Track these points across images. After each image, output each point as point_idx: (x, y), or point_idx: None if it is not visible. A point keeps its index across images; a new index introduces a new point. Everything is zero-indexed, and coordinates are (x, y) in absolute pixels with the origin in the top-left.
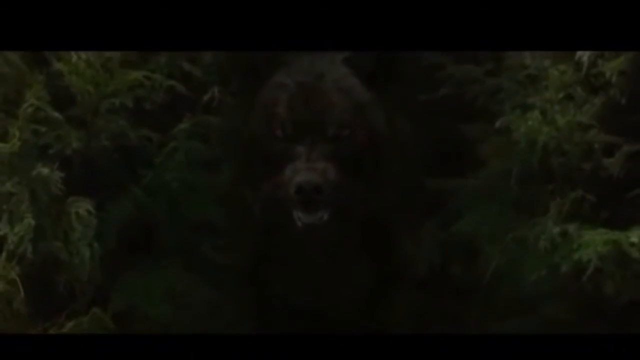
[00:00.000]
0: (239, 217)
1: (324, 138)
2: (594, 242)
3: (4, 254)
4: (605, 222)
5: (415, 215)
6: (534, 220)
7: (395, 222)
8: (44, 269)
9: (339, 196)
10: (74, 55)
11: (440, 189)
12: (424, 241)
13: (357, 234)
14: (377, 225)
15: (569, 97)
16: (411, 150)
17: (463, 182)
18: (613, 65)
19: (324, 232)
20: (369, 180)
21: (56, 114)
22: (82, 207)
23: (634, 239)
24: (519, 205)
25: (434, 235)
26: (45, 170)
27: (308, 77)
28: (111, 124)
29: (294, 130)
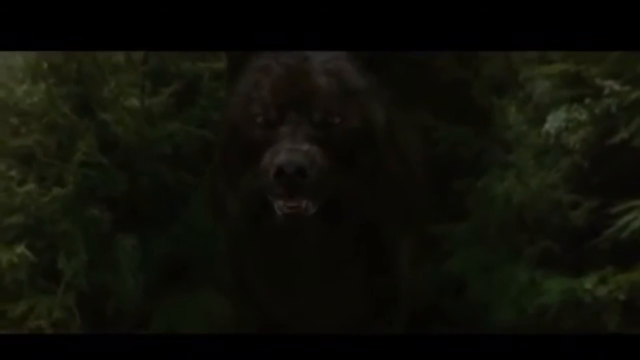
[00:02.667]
0: (220, 219)
1: (309, 122)
2: (555, 289)
3: (62, 286)
4: (568, 269)
5: (415, 225)
6: (508, 267)
7: (393, 230)
8: (95, 297)
9: (327, 185)
10: (119, 108)
11: (433, 232)
12: (419, 279)
13: (350, 240)
14: (372, 231)
15: (540, 161)
16: (410, 152)
17: (453, 227)
18: (577, 136)
19: (309, 231)
20: (361, 176)
21: (104, 160)
22: (128, 242)
23: (588, 286)
24: (498, 251)
25: (428, 271)
26: (95, 211)
27: (294, 59)
28: (152, 168)
29: (277, 115)
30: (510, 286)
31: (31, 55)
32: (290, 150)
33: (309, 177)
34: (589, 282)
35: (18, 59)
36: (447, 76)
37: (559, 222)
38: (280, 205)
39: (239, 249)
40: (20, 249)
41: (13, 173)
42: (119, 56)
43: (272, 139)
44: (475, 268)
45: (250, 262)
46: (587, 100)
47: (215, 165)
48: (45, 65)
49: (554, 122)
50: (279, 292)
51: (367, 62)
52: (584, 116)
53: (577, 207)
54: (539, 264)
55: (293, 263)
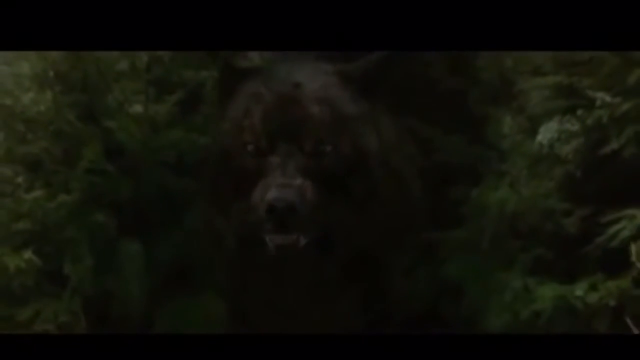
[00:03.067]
0: (213, 249)
1: (301, 152)
2: (547, 296)
3: (68, 290)
4: (560, 275)
5: (409, 248)
6: (502, 273)
7: (387, 254)
8: (100, 301)
9: (318, 219)
10: (124, 116)
11: (429, 239)
12: (420, 283)
13: (342, 266)
14: (366, 256)
15: (533, 170)
16: (405, 173)
17: (449, 234)
18: (569, 146)
19: (301, 261)
20: (355, 204)
21: (109, 167)
22: (132, 247)
23: (579, 292)
24: (493, 258)
25: (425, 276)
26: (101, 217)
27: (285, 86)
28: (156, 175)
29: (268, 144)
30: (504, 292)
31: (37, 63)
32: (280, 185)
33: (299, 213)
34: (580, 289)
35: (24, 66)
36: (442, 86)
37: (552, 230)
38: (271, 238)
39: (233, 276)
40: (28, 254)
41: (20, 180)
42: (123, 64)
43: (263, 169)
44: (471, 274)
45: (244, 288)
46: (579, 112)
47: (207, 192)
48: (51, 73)
49: (546, 133)
50: (273, 318)
51: (359, 88)
52: (576, 127)
53: (570, 215)
54: (532, 271)
55: (286, 290)
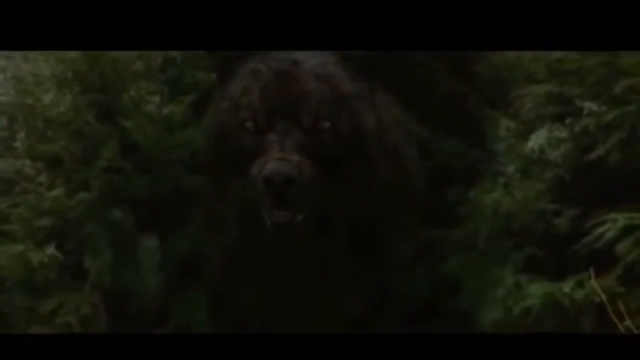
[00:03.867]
0: (213, 225)
1: (299, 128)
2: (537, 293)
3: (88, 284)
4: (551, 274)
5: (410, 227)
6: (496, 271)
7: (387, 232)
8: (119, 294)
9: (316, 195)
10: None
11: (429, 237)
12: (419, 279)
13: (341, 245)
14: (364, 235)
15: (526, 173)
16: (405, 154)
17: (447, 233)
18: (559, 151)
19: (300, 238)
20: (353, 183)
21: (126, 165)
22: (149, 243)
23: (567, 290)
24: (488, 256)
25: (425, 273)
26: (119, 214)
27: (284, 63)
28: (171, 173)
29: (266, 121)
30: (497, 289)
31: (57, 64)
32: (279, 160)
33: (297, 186)
34: (567, 287)
35: (44, 67)
36: (443, 90)
37: (543, 230)
38: (269, 215)
39: (231, 256)
40: (51, 250)
41: (42, 179)
42: (139, 65)
43: (262, 147)
44: (467, 271)
45: (241, 270)
46: (568, 120)
47: (204, 172)
48: (70, 74)
49: (537, 139)
50: (271, 299)
51: (359, 68)
52: (565, 134)
53: (560, 216)
54: (524, 268)
55: (285, 270)
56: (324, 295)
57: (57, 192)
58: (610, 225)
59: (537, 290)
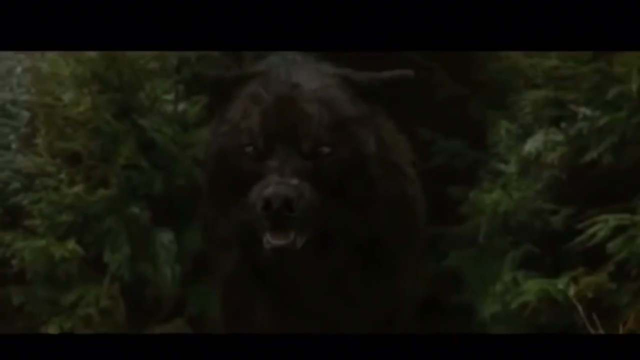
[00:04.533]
0: (216, 245)
1: (298, 154)
2: (533, 289)
3: (107, 277)
4: (546, 270)
5: (412, 246)
6: (495, 266)
7: (390, 247)
8: (137, 286)
9: (316, 218)
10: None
11: (431, 233)
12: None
13: (342, 265)
14: (367, 253)
15: (523, 174)
16: (406, 170)
17: (449, 230)
18: (555, 153)
19: (299, 260)
20: (353, 205)
21: (143, 163)
22: (165, 237)
23: (560, 286)
24: (487, 252)
25: (428, 267)
26: (136, 209)
27: (284, 87)
28: (186, 170)
29: (265, 147)
30: (496, 284)
31: (76, 65)
32: (278, 183)
33: (296, 210)
34: (561, 283)
35: (63, 66)
36: (444, 93)
37: (539, 228)
38: (268, 239)
39: (235, 275)
40: (71, 244)
41: (63, 176)
42: (154, 64)
43: (261, 172)
44: (468, 266)
45: (247, 287)
46: (563, 124)
47: (204, 192)
48: (88, 73)
49: (533, 143)
50: (277, 316)
51: (360, 91)
52: (560, 137)
53: (555, 214)
54: (521, 264)
55: (288, 289)
56: (330, 313)
57: (77, 188)
58: (602, 225)
59: (532, 287)
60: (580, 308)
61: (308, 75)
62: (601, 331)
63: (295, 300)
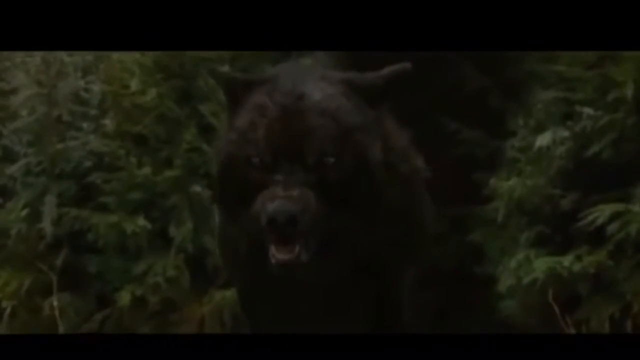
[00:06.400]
0: (228, 252)
1: (303, 167)
2: (542, 267)
3: (173, 249)
4: (555, 247)
5: (419, 248)
6: (511, 245)
7: (394, 263)
8: (199, 257)
9: (320, 229)
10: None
11: (459, 212)
12: (449, 246)
13: (348, 274)
14: (371, 263)
15: (536, 165)
16: (413, 177)
17: (474, 209)
18: (563, 147)
19: (305, 274)
20: (359, 213)
21: (204, 145)
22: None
23: (566, 263)
24: (504, 232)
25: (454, 241)
26: (198, 188)
27: (289, 98)
28: None
29: (271, 160)
30: (511, 260)
31: (140, 54)
32: (281, 198)
33: (300, 224)
34: (567, 260)
35: (128, 55)
36: (469, 86)
37: (549, 211)
38: (273, 253)
39: (246, 279)
40: (141, 220)
41: (132, 158)
42: (209, 53)
43: (266, 183)
44: (489, 241)
45: (257, 287)
46: (569, 123)
47: (215, 198)
48: (152, 63)
49: (543, 140)
50: (284, 320)
51: (365, 97)
52: (566, 134)
53: (563, 199)
54: (533, 243)
55: (295, 295)
56: (332, 319)
57: (146, 170)
58: (599, 213)
59: (541, 265)
60: (556, 309)
61: (314, 85)
62: (572, 330)
63: (297, 306)
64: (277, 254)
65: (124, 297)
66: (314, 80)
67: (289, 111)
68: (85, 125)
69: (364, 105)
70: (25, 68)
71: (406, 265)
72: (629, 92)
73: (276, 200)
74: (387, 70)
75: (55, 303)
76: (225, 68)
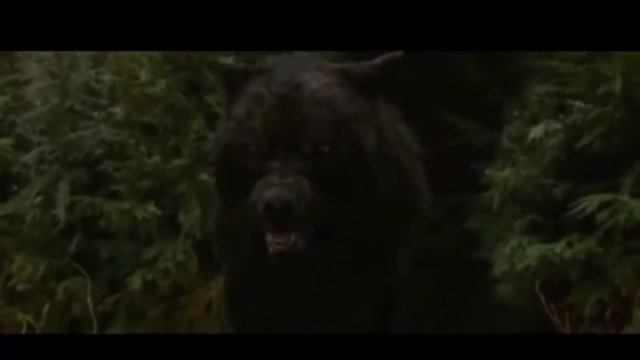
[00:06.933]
0: (227, 239)
1: (299, 155)
2: (534, 254)
3: (182, 235)
4: (547, 235)
5: (414, 234)
6: (505, 232)
7: (389, 248)
8: (207, 243)
9: (317, 215)
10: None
11: (456, 200)
12: (447, 234)
13: (344, 258)
14: (367, 247)
15: (529, 155)
16: (408, 163)
17: (470, 197)
18: (555, 138)
19: (301, 260)
20: (355, 199)
21: (211, 135)
22: None
23: (557, 250)
24: (499, 220)
25: (451, 228)
26: (205, 176)
27: (285, 87)
28: None
29: (268, 148)
30: (505, 247)
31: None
32: (278, 185)
33: (295, 210)
34: (558, 247)
35: None
36: (468, 80)
37: (542, 199)
38: (270, 241)
39: (242, 265)
40: (151, 207)
41: (142, 148)
42: None
43: (264, 170)
44: (485, 228)
45: (251, 278)
46: (561, 116)
47: (214, 186)
48: (160, 55)
49: (536, 132)
50: (278, 309)
51: (360, 86)
52: (559, 126)
53: (555, 188)
54: (526, 230)
55: (291, 281)
56: (329, 305)
57: (155, 159)
58: (589, 202)
59: (534, 252)
60: (542, 299)
61: (310, 75)
62: (556, 317)
63: (295, 292)
64: (274, 242)
65: (136, 282)
66: (311, 71)
67: (285, 100)
68: (95, 114)
69: (358, 94)
70: (38, 59)
71: (401, 250)
72: (617, 87)
73: (272, 188)
74: (380, 59)
75: (69, 287)
76: (229, 60)
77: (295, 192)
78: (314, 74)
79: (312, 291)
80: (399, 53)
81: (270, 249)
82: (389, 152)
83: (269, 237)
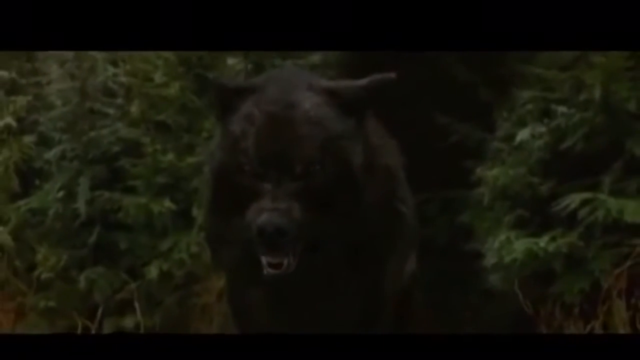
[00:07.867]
0: (217, 249)
1: (291, 175)
2: (520, 248)
3: (195, 227)
4: (533, 229)
5: (402, 243)
6: (495, 227)
7: (380, 254)
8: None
9: (306, 235)
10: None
11: (450, 196)
12: (441, 227)
13: (333, 274)
14: (359, 259)
15: (517, 156)
16: (394, 173)
17: (463, 193)
18: (541, 140)
19: (293, 275)
20: (343, 213)
21: None
22: None
23: (542, 244)
24: (490, 215)
25: (446, 222)
26: None
27: (277, 106)
28: None
29: (260, 169)
30: (495, 241)
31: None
32: (271, 210)
33: (288, 234)
34: (543, 242)
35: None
36: (459, 81)
37: (529, 196)
38: (265, 263)
39: (237, 282)
40: (167, 202)
41: (158, 146)
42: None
43: (257, 191)
44: (477, 222)
45: (245, 285)
46: (546, 120)
47: (208, 202)
48: (174, 57)
49: (522, 135)
50: (272, 313)
51: (346, 103)
52: (543, 129)
53: (541, 186)
54: (514, 225)
55: (283, 288)
56: (320, 311)
57: (170, 157)
58: (572, 199)
59: (520, 246)
60: (520, 295)
61: (300, 94)
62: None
63: (287, 296)
64: (267, 266)
65: (152, 271)
66: (301, 90)
67: (276, 120)
68: (112, 112)
69: (346, 113)
70: (59, 62)
71: (389, 257)
72: (597, 94)
73: (264, 213)
74: (369, 81)
75: (89, 276)
76: (233, 61)
77: (287, 217)
78: (304, 93)
79: (303, 302)
80: (391, 75)
81: (265, 272)
82: (376, 161)
83: (263, 260)
